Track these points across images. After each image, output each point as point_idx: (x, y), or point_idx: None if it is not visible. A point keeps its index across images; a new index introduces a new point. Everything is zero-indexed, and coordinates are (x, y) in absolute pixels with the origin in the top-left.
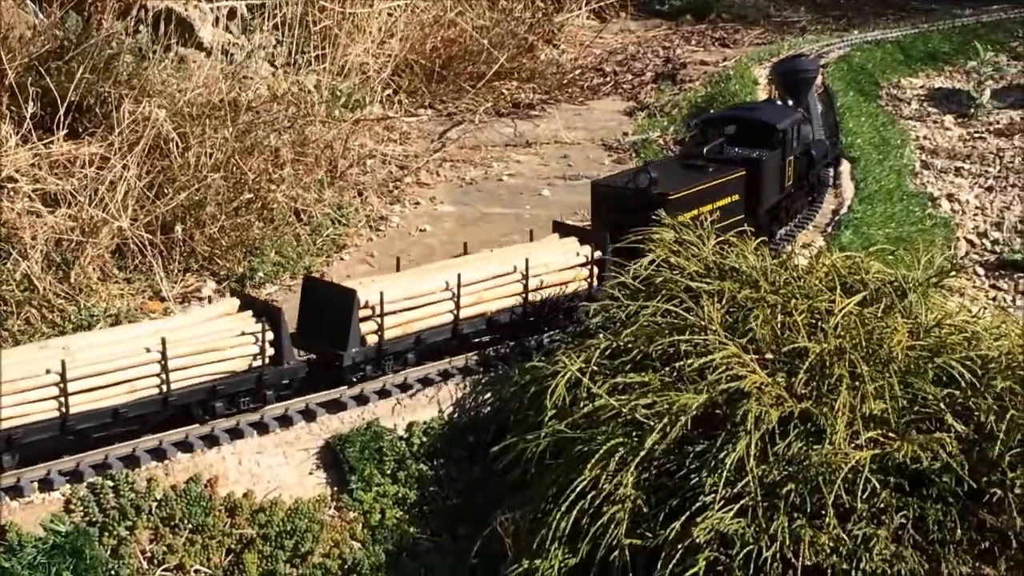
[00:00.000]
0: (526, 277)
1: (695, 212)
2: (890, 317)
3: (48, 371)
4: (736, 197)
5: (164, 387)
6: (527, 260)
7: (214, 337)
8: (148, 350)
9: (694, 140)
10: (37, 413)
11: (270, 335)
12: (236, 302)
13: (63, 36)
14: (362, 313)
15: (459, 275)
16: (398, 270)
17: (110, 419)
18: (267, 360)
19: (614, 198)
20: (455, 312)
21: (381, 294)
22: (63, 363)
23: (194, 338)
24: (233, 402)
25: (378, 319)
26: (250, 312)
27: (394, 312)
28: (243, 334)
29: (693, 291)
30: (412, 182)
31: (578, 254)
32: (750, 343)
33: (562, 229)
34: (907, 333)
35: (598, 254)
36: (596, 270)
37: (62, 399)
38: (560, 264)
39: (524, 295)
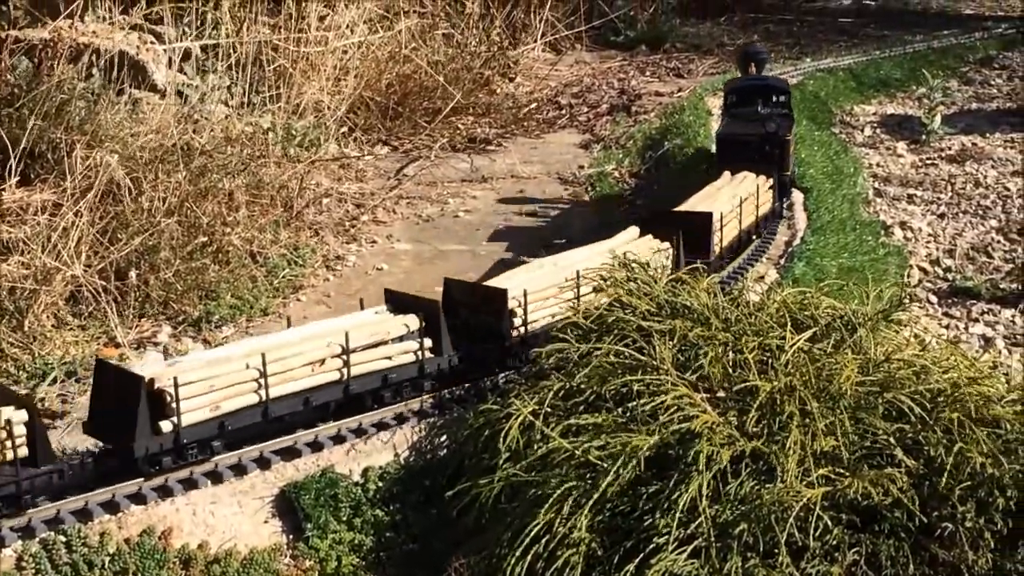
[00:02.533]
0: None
1: (791, 149)
2: (840, 353)
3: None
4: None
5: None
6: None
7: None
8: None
9: (728, 104)
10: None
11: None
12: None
13: (14, 83)
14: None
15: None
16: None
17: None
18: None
19: (743, 145)
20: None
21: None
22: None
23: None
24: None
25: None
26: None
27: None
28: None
29: (645, 330)
30: (369, 220)
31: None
32: (702, 381)
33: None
34: (857, 368)
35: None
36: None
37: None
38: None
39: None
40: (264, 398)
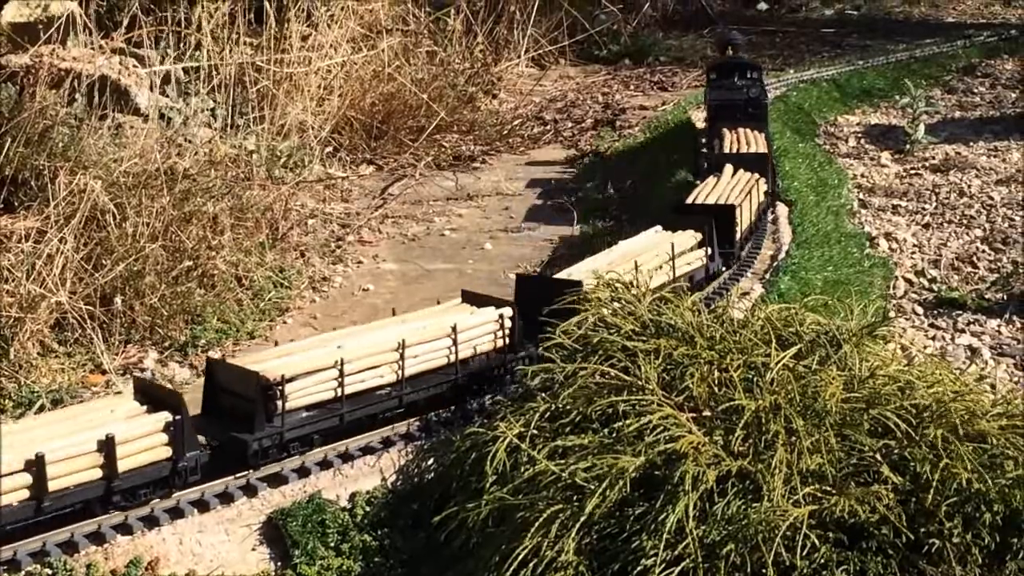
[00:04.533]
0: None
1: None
2: (825, 369)
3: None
4: None
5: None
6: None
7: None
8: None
9: (710, 78)
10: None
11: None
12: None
13: None
14: None
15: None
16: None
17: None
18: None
19: (731, 107)
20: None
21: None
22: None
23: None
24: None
25: None
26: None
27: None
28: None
29: (630, 350)
30: (354, 240)
31: None
32: (687, 401)
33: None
34: (842, 385)
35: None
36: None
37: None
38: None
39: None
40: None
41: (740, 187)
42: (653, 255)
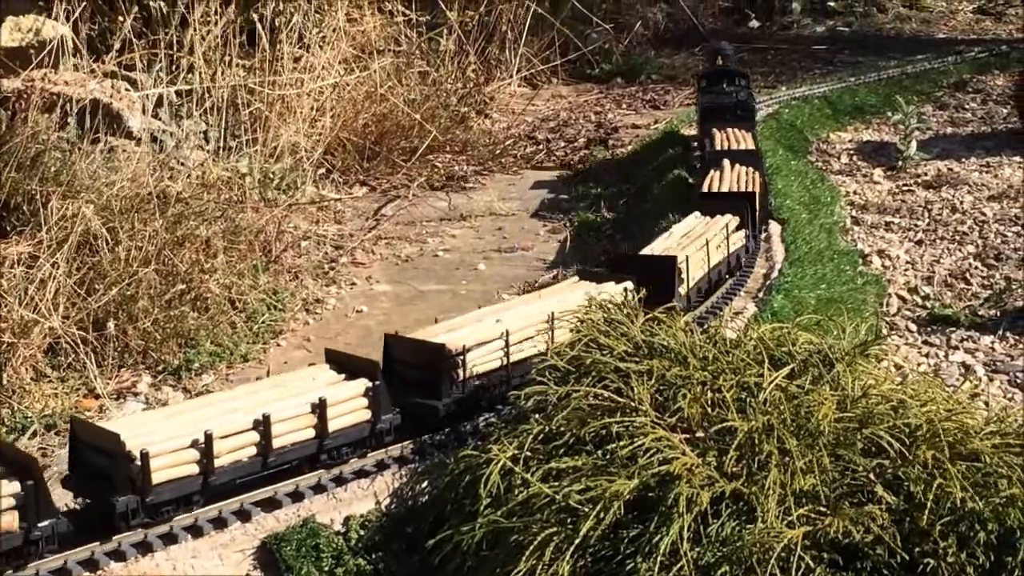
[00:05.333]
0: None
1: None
2: (818, 389)
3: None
4: None
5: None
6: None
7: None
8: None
9: (700, 85)
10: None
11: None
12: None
13: None
14: None
15: None
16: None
17: None
18: None
19: (721, 108)
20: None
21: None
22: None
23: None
24: None
25: None
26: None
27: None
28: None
29: (623, 371)
30: (348, 262)
31: None
32: (680, 422)
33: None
34: (835, 405)
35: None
36: None
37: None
38: None
39: None
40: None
41: (745, 178)
42: (713, 234)
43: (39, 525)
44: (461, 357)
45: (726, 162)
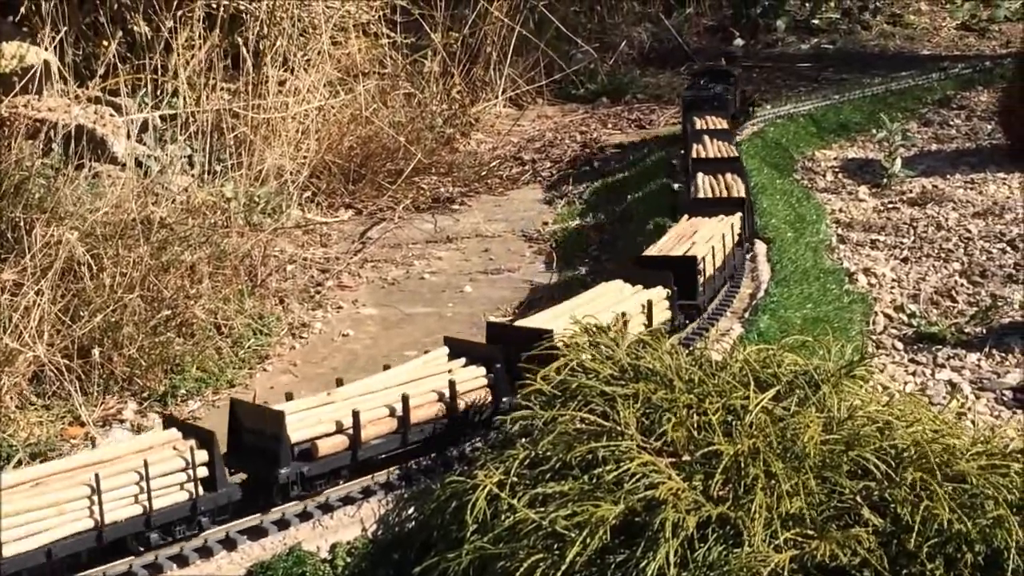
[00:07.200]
0: None
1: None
2: (804, 411)
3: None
4: None
5: None
6: None
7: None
8: None
9: (690, 83)
10: None
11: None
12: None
13: None
14: None
15: None
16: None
17: None
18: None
19: (700, 101)
20: None
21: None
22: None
23: None
24: None
25: None
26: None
27: None
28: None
29: (609, 395)
30: (334, 285)
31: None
32: (666, 446)
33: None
34: (820, 427)
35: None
36: None
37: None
38: None
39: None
40: None
41: (722, 150)
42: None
43: (502, 400)
44: None
45: (706, 138)
